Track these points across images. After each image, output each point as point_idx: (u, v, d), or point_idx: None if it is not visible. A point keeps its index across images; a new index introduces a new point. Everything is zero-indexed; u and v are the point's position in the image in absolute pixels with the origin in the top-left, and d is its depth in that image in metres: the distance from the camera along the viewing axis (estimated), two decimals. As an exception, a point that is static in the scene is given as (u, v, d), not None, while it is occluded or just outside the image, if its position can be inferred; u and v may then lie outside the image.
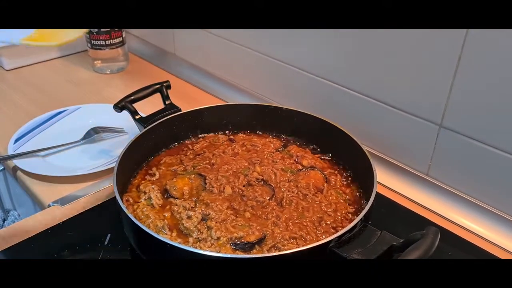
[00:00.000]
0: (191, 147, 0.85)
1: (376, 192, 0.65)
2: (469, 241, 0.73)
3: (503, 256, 0.71)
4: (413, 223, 0.76)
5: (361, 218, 0.59)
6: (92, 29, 1.16)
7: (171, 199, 0.71)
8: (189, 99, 1.11)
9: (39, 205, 0.82)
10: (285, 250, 0.61)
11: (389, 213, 0.77)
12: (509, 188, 0.72)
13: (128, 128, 0.96)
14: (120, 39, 1.20)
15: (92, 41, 1.18)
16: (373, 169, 0.69)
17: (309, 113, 0.85)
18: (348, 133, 0.78)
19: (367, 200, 0.64)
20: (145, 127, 0.81)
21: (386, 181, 0.85)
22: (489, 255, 0.71)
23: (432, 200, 0.81)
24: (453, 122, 0.74)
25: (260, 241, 0.63)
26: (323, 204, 0.71)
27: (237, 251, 0.62)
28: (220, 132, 0.90)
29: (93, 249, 0.70)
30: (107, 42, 1.18)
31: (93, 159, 0.90)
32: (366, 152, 0.73)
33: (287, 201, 0.71)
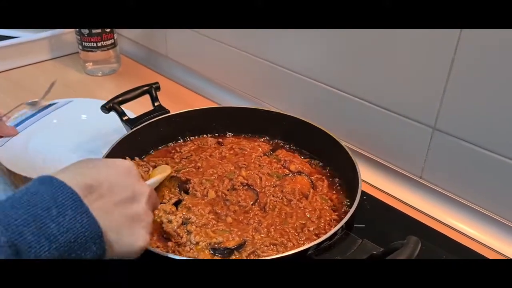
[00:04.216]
0: (179, 150, 0.84)
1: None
2: (463, 243, 0.72)
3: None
4: (406, 226, 0.75)
5: (342, 226, 0.58)
6: (83, 31, 1.15)
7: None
8: (181, 101, 1.10)
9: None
10: (264, 256, 0.60)
11: (382, 216, 0.76)
12: (503, 190, 0.71)
13: (117, 128, 0.94)
14: (112, 41, 1.19)
15: (83, 43, 1.17)
16: (359, 177, 0.68)
17: (298, 117, 0.84)
18: (337, 139, 0.78)
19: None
20: (131, 129, 0.80)
21: (379, 183, 0.84)
22: (483, 258, 0.69)
23: (426, 203, 0.80)
24: (447, 124, 0.73)
25: (240, 247, 0.61)
26: (307, 210, 0.69)
27: (216, 256, 0.61)
28: (209, 135, 0.89)
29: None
30: (99, 44, 1.17)
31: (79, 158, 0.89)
32: (353, 159, 0.72)
33: (271, 206, 0.69)
